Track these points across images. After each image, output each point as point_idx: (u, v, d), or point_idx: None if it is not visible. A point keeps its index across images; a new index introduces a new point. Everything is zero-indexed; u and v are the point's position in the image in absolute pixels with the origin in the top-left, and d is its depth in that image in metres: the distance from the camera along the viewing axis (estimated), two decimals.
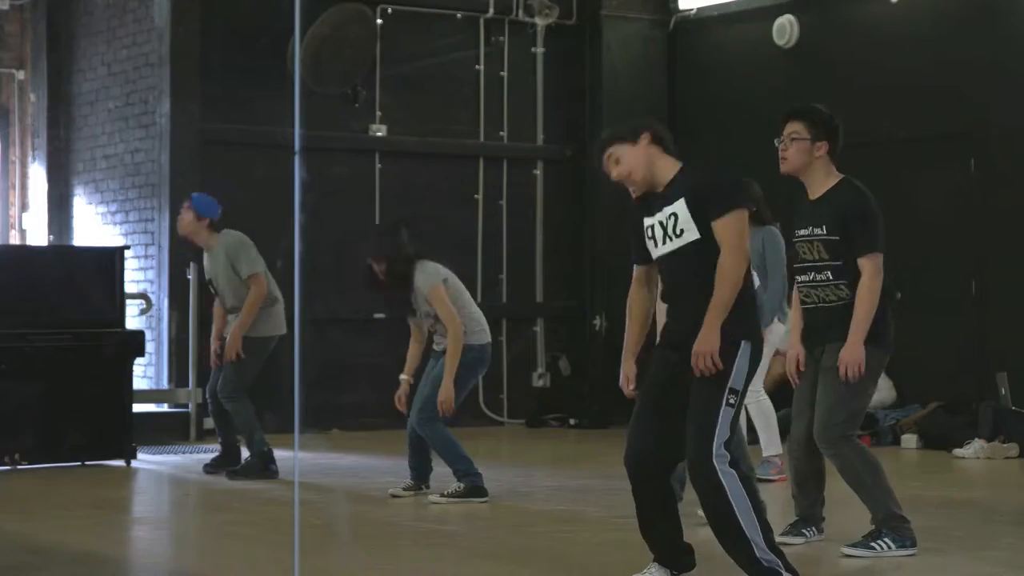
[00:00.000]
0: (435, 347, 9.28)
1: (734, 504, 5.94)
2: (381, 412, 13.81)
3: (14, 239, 15.29)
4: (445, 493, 9.06)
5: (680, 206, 6.07)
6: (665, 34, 15.18)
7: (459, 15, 14.55)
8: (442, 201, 14.22)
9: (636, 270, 6.38)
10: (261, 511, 9.04)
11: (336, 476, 10.44)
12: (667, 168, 6.18)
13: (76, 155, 14.94)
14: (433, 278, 9.10)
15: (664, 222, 6.12)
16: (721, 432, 5.96)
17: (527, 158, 14.93)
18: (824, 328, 7.16)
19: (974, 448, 11.62)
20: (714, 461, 5.93)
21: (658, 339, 6.41)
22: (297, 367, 9.81)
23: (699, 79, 14.90)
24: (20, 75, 15.34)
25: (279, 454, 10.48)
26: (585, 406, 14.71)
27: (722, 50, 14.82)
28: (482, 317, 9.31)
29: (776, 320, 9.65)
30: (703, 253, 6.04)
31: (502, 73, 14.80)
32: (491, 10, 14.61)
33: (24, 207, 15.43)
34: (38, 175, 15.20)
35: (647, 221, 6.21)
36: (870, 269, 7.02)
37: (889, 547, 7.10)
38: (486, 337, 9.23)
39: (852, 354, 7.00)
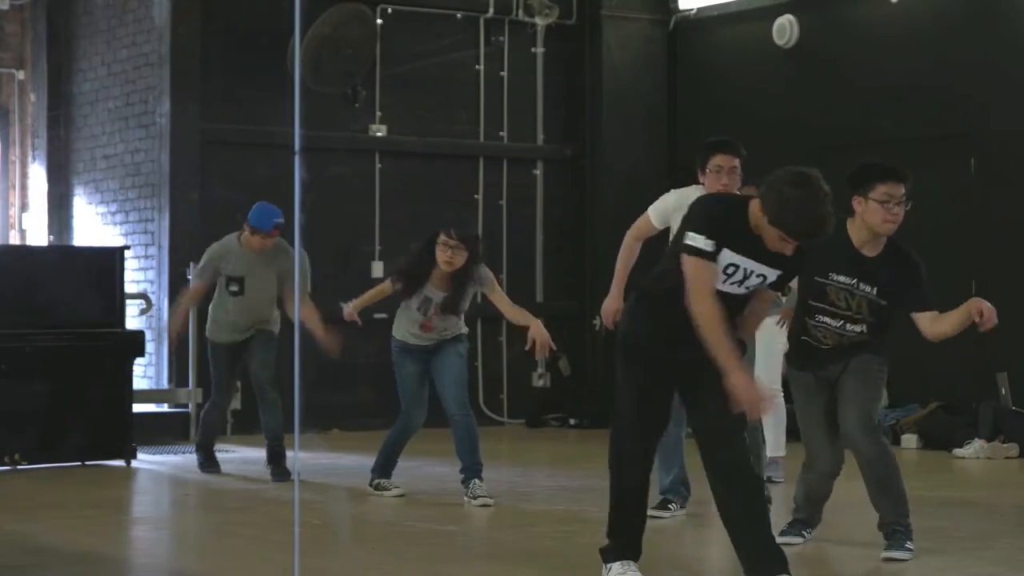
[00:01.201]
0: (435, 334, 9.23)
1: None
2: (381, 412, 13.82)
3: (14, 239, 15.29)
4: (483, 492, 9.02)
5: (773, 275, 6.08)
6: (665, 34, 15.18)
7: (459, 15, 14.55)
8: (442, 201, 14.21)
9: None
10: (261, 511, 9.04)
11: (336, 476, 10.44)
12: None
13: (76, 155, 14.94)
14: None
15: (749, 272, 6.03)
16: None
17: (527, 158, 14.93)
18: (846, 355, 7.18)
19: (974, 448, 11.62)
20: None
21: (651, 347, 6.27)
22: (297, 367, 9.79)
23: (699, 79, 14.90)
24: (20, 75, 15.34)
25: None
26: (585, 406, 14.71)
27: (722, 50, 14.82)
28: None
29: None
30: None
31: (502, 73, 14.80)
32: (491, 10, 14.62)
33: (24, 207, 15.43)
34: (38, 175, 15.20)
35: (735, 257, 5.99)
36: (933, 315, 7.21)
37: (912, 545, 7.09)
38: None
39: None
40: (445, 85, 14.53)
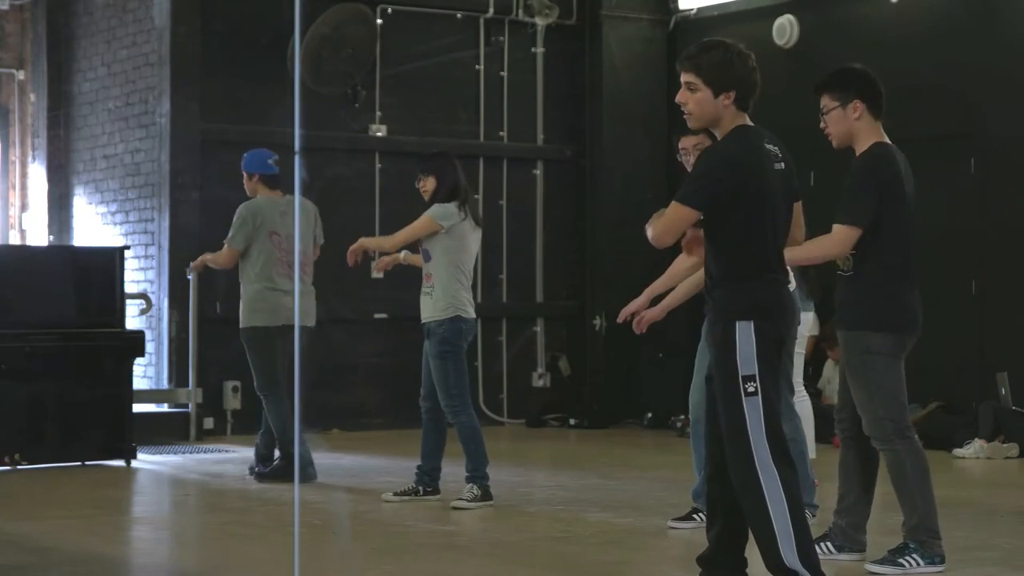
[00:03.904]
0: (425, 286, 9.04)
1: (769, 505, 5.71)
2: (381, 412, 13.84)
3: (14, 239, 15.29)
4: (468, 498, 8.90)
5: None
6: (665, 34, 15.19)
7: (459, 15, 14.55)
8: None
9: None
10: (261, 511, 9.04)
11: (336, 476, 10.44)
12: (727, 127, 5.90)
13: (76, 155, 14.94)
14: (434, 211, 8.98)
15: None
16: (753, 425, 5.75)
17: (527, 158, 14.93)
18: (838, 305, 6.90)
19: (974, 448, 11.62)
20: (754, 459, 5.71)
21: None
22: (297, 367, 9.77)
23: None
24: (20, 75, 15.34)
25: (277, 453, 10.46)
26: (585, 406, 14.71)
27: None
28: (470, 295, 9.12)
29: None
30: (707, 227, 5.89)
31: (502, 73, 14.80)
32: (491, 10, 14.62)
33: (24, 207, 15.43)
34: (38, 175, 15.20)
35: None
36: (835, 234, 6.76)
37: (917, 564, 6.77)
38: (471, 313, 9.06)
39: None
40: (445, 85, 14.53)
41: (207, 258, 10.47)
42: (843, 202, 6.81)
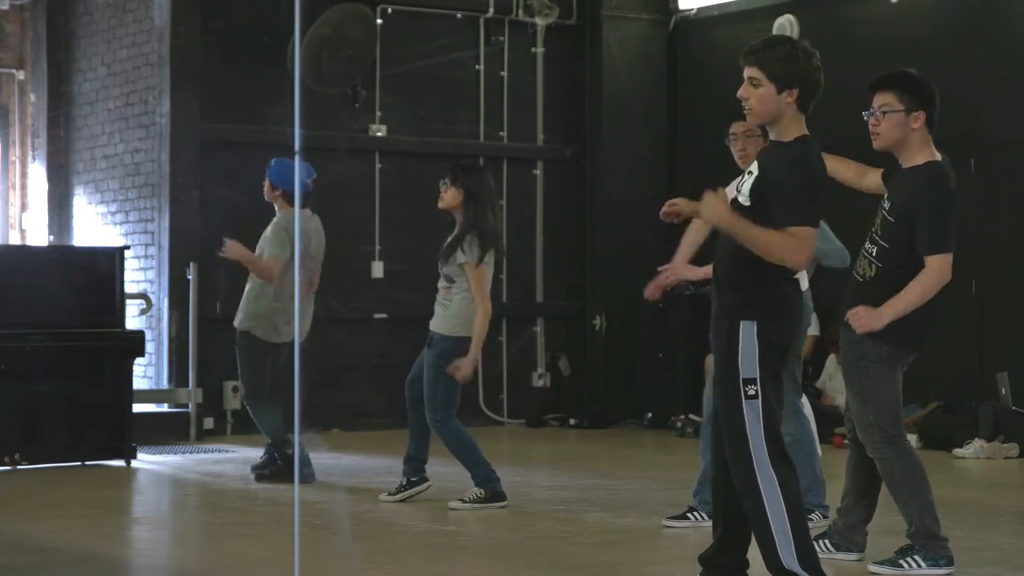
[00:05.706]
0: (441, 298, 8.96)
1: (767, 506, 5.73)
2: (381, 412, 13.83)
3: (14, 239, 15.29)
4: (466, 499, 8.90)
5: (754, 177, 5.81)
6: (665, 34, 15.19)
7: (459, 15, 14.55)
8: None
9: None
10: (261, 511, 9.04)
11: (336, 476, 10.44)
12: (790, 130, 5.83)
13: (76, 155, 14.94)
14: (475, 256, 8.83)
15: (744, 178, 5.87)
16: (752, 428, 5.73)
17: (527, 158, 14.93)
18: (846, 305, 6.73)
19: (974, 448, 11.62)
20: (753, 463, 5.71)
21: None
22: (297, 367, 9.78)
23: (699, 79, 14.89)
24: (20, 75, 15.34)
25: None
26: (585, 406, 14.72)
27: (722, 50, 14.80)
28: None
29: None
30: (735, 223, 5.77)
31: (502, 73, 14.80)
32: (491, 10, 14.62)
33: (24, 207, 15.43)
34: (38, 175, 15.20)
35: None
36: (933, 266, 6.65)
37: (919, 565, 6.71)
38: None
39: (873, 315, 6.49)
40: (445, 85, 14.53)
41: (247, 255, 9.94)
42: (927, 230, 6.60)
